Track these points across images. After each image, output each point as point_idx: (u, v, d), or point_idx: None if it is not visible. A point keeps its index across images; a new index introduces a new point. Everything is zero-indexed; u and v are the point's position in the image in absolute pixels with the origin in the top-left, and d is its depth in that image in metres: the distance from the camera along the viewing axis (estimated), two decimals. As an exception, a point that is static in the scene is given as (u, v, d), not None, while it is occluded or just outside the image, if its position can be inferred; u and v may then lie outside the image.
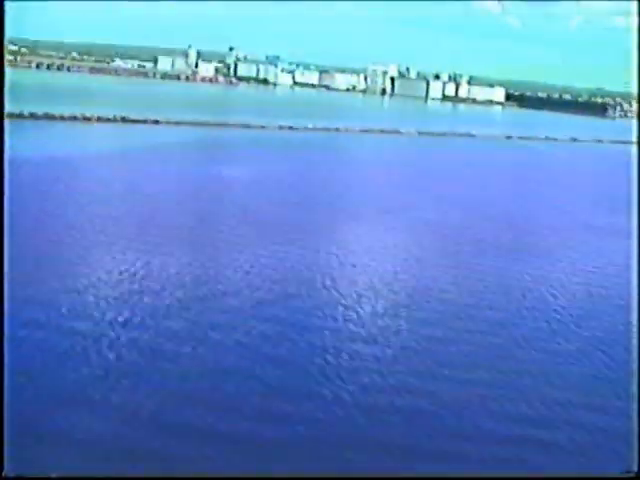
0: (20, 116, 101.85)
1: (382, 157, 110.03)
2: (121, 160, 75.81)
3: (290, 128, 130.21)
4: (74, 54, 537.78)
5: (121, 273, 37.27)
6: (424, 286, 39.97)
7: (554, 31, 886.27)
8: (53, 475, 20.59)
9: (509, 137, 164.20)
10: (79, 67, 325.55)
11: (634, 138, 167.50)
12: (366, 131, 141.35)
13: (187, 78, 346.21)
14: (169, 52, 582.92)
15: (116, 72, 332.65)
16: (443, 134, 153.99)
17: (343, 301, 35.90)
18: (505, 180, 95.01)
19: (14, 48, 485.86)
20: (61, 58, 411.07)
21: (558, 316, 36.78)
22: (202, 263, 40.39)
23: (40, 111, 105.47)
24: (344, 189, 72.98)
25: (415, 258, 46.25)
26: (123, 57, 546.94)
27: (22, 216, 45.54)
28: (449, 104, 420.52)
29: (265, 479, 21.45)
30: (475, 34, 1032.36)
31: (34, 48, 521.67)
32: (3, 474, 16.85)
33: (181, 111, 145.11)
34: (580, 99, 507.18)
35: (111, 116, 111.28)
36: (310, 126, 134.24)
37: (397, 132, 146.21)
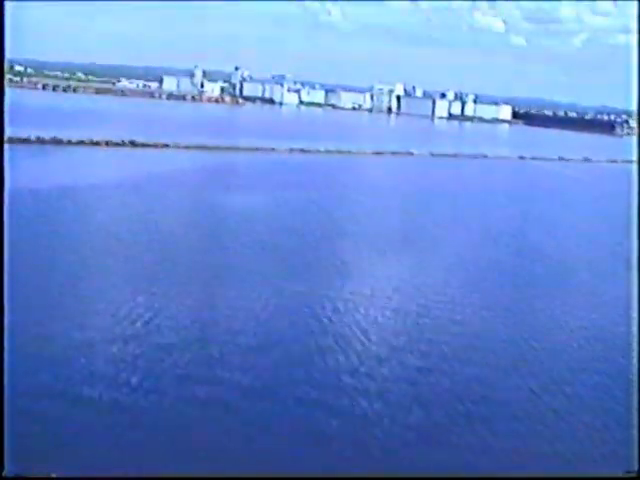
0: (26, 141, 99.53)
1: (397, 182, 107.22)
2: (132, 190, 73.06)
3: (302, 151, 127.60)
4: (80, 74, 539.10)
5: (133, 321, 34.44)
6: (458, 331, 36.98)
7: (558, 49, 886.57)
8: (53, 475, 20.61)
9: (522, 157, 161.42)
10: (85, 88, 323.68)
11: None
12: (378, 153, 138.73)
13: (193, 98, 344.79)
14: (174, 72, 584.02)
15: (122, 93, 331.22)
16: (455, 155, 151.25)
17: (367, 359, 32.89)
18: (527, 206, 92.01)
19: (20, 68, 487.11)
20: (67, 79, 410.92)
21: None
22: (214, 303, 37.67)
23: (47, 135, 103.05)
24: (364, 217, 70.26)
25: (445, 296, 43.37)
26: (129, 77, 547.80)
27: (26, 254, 42.77)
28: (455, 122, 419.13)
29: (265, 479, 21.62)
30: (479, 52, 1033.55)
31: (40, 69, 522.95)
32: (3, 474, 16.84)
33: (190, 133, 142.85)
34: (587, 116, 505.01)
35: (120, 140, 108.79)
36: (322, 149, 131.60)
37: (409, 154, 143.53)
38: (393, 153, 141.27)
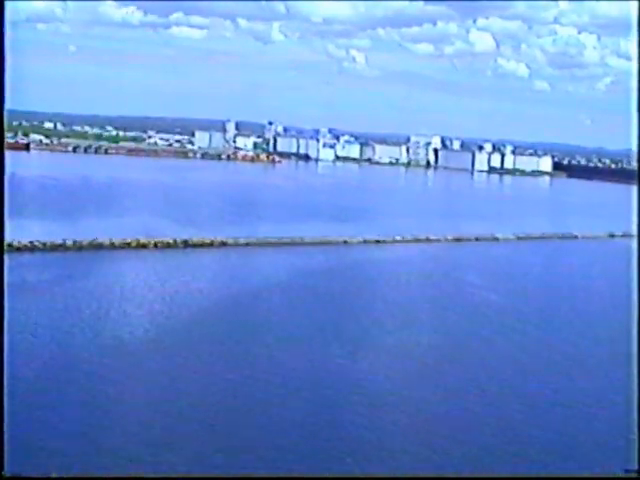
0: (63, 247, 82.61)
1: (502, 284, 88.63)
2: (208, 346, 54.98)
3: (377, 242, 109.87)
4: (109, 128, 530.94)
5: None
6: None
7: (582, 93, 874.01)
8: (53, 475, 23.77)
9: (612, 235, 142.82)
10: (117, 149, 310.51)
11: None
12: (459, 240, 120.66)
13: (228, 157, 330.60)
14: (205, 124, 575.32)
15: (155, 153, 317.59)
16: (543, 237, 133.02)
17: None
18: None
19: (50, 125, 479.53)
20: (98, 136, 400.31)
21: None
22: None
23: (85, 238, 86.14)
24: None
25: None
26: (159, 130, 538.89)
27: None
28: (496, 177, 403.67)
29: (265, 479, 22.15)
30: (504, 97, 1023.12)
31: (70, 123, 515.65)
32: (3, 474, 17.14)
33: (238, 215, 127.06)
34: (627, 166, 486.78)
35: (171, 240, 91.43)
36: (398, 237, 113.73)
37: (494, 239, 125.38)
38: (477, 239, 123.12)
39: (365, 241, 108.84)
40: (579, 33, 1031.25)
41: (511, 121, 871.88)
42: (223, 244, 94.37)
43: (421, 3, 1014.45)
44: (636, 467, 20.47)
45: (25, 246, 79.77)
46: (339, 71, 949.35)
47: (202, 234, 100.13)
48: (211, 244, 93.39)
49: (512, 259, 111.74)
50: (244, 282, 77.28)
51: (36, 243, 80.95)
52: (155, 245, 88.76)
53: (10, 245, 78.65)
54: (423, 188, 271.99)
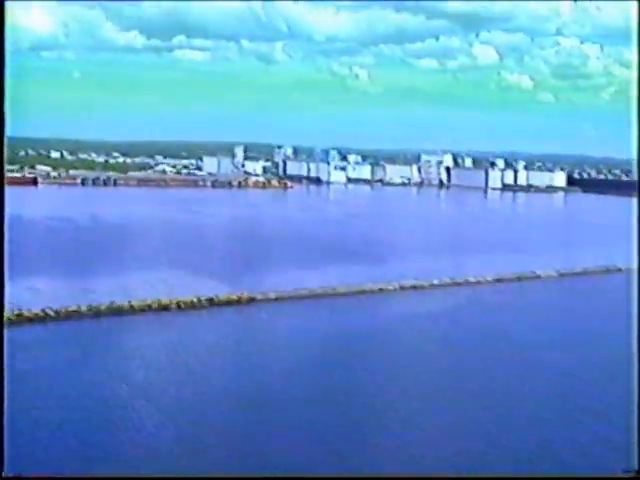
0: (78, 313, 74.67)
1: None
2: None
3: (414, 288, 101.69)
4: (116, 154, 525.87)
5: None
6: None
7: (587, 103, 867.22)
8: (53, 475, 26.16)
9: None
10: (125, 180, 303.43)
11: None
12: (500, 280, 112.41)
13: (239, 184, 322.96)
14: (212, 147, 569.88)
15: (165, 182, 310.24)
16: (586, 272, 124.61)
17: None
18: None
19: (56, 155, 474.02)
20: (105, 165, 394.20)
21: None
22: None
23: (102, 302, 78.30)
24: None
25: None
26: (166, 155, 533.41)
27: None
28: (509, 194, 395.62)
29: (265, 479, 22.32)
30: (509, 110, 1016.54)
31: (77, 151, 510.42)
32: (3, 474, 18.45)
33: (260, 259, 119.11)
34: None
35: (194, 298, 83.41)
36: (436, 282, 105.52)
37: (535, 276, 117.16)
38: (518, 278, 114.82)
39: (402, 287, 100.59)
40: (582, 43, 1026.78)
41: (517, 133, 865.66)
42: (251, 300, 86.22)
43: (423, 18, 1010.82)
44: (636, 467, 20.38)
45: (37, 315, 72.06)
46: (343, 89, 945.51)
47: (226, 287, 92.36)
48: (238, 301, 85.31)
49: (563, 305, 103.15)
50: (284, 356, 69.09)
51: (48, 311, 73.03)
52: (178, 306, 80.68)
53: (20, 315, 70.97)
54: (441, 212, 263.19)
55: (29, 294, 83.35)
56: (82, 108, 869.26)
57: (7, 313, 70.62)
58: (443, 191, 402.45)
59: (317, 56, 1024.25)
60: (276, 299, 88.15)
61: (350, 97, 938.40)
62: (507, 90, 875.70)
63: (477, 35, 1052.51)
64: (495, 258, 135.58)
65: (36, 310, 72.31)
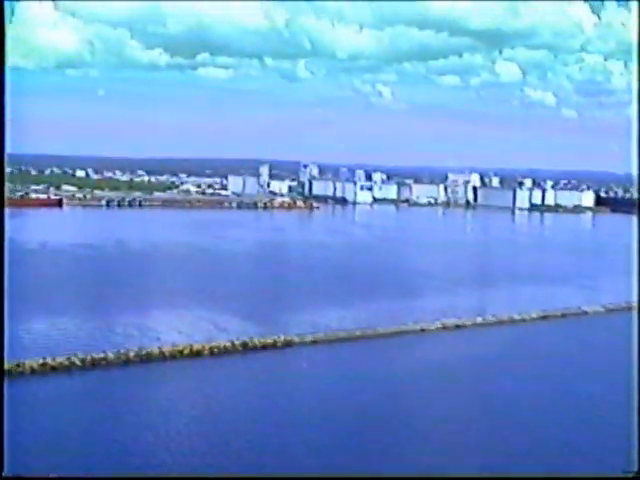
0: (105, 361, 69.95)
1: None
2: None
3: (457, 327, 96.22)
4: (140, 172, 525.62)
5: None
6: None
7: (610, 120, 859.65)
8: (53, 475, 25.85)
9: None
10: (150, 201, 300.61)
11: None
12: (545, 317, 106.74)
13: (265, 206, 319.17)
14: (236, 165, 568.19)
15: (190, 203, 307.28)
16: (629, 307, 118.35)
17: None
18: None
19: (81, 174, 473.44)
20: (129, 185, 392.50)
21: None
22: None
23: (130, 347, 73.62)
24: None
25: None
26: (189, 174, 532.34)
27: None
28: (537, 214, 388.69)
29: (265, 479, 24.20)
30: (532, 127, 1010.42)
31: (102, 169, 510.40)
32: (3, 474, 18.87)
33: (290, 293, 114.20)
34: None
35: (228, 343, 78.51)
36: (479, 320, 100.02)
37: (582, 312, 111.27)
38: (564, 315, 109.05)
39: (444, 327, 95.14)
40: (606, 60, 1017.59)
41: (540, 150, 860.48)
42: (288, 344, 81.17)
43: (446, 35, 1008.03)
44: (636, 467, 21.83)
45: (61, 364, 67.33)
46: (366, 106, 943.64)
47: (259, 327, 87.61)
48: (274, 345, 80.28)
49: (620, 347, 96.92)
50: (325, 409, 63.82)
51: (74, 359, 68.33)
52: (211, 351, 75.77)
53: (44, 364, 66.44)
54: (473, 236, 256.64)
55: (54, 334, 79.29)
56: (107, 126, 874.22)
57: (30, 361, 66.25)
58: (470, 212, 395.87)
59: (340, 73, 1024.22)
60: (313, 342, 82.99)
61: (373, 114, 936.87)
62: (530, 107, 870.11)
63: (500, 52, 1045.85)
64: (535, 291, 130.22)
65: (61, 358, 67.61)
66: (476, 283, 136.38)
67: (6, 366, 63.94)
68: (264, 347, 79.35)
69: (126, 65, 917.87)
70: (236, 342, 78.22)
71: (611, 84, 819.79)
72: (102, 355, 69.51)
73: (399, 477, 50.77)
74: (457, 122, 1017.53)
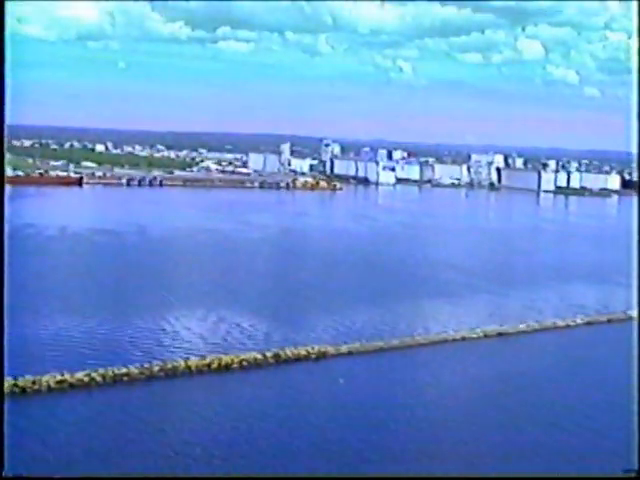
0: (128, 376, 64.75)
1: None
2: None
3: (499, 335, 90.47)
4: (160, 146, 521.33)
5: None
6: None
7: (632, 98, 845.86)
8: (53, 475, 26.02)
9: None
10: (171, 180, 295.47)
11: None
12: (590, 323, 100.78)
13: (287, 186, 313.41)
14: (255, 140, 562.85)
15: (211, 182, 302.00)
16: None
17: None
18: None
19: (101, 148, 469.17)
20: (149, 161, 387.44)
21: None
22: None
23: (154, 362, 68.44)
24: None
25: None
26: (209, 148, 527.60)
27: None
28: (561, 197, 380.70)
29: (265, 479, 13.09)
30: (554, 105, 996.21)
31: (121, 143, 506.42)
32: (3, 474, 18.86)
33: (320, 290, 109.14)
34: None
35: (259, 354, 73.13)
36: (522, 326, 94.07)
37: (627, 317, 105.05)
38: (609, 320, 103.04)
39: (486, 335, 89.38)
40: (629, 38, 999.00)
41: (562, 129, 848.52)
42: (322, 355, 75.79)
43: (469, 11, 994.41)
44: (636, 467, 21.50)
45: (80, 381, 62.27)
46: (386, 81, 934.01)
47: (288, 332, 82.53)
48: (307, 356, 74.92)
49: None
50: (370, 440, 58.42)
51: (94, 375, 63.22)
52: (241, 364, 70.49)
53: (62, 381, 61.40)
54: (501, 223, 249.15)
55: (64, 339, 74.52)
56: (127, 98, 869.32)
57: (47, 378, 61.26)
58: (494, 194, 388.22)
59: (361, 48, 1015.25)
60: (349, 352, 77.57)
61: (393, 90, 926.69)
62: (552, 85, 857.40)
63: (523, 29, 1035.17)
64: (574, 290, 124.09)
65: (80, 374, 62.52)
66: (511, 280, 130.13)
67: (21, 383, 59.23)
68: (297, 359, 73.94)
69: (147, 38, 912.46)
70: (267, 354, 72.89)
71: (634, 62, 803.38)
72: (124, 370, 64.41)
73: (399, 477, 49.89)
74: (478, 99, 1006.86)
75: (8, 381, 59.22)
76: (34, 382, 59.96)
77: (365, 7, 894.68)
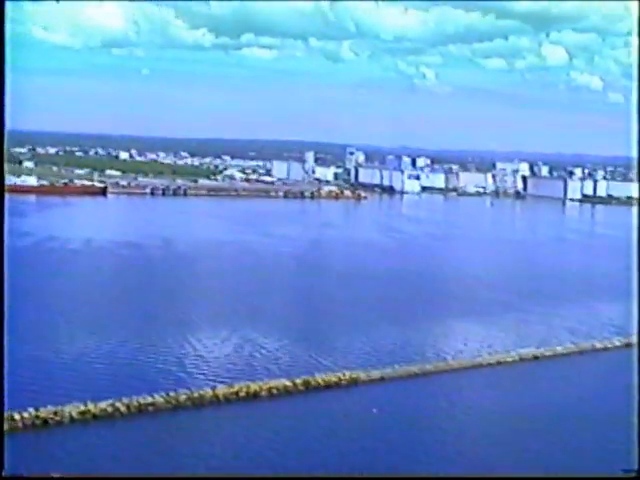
0: (154, 406, 62.30)
1: None
2: None
3: (535, 358, 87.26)
4: (183, 153, 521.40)
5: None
6: None
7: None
8: (53, 475, 25.82)
9: None
10: (196, 190, 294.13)
11: None
12: (628, 345, 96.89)
13: (312, 195, 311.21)
14: (279, 146, 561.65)
15: (236, 192, 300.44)
16: None
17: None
18: None
19: (125, 156, 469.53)
20: (173, 170, 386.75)
21: None
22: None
23: (181, 391, 66.00)
24: None
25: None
26: (233, 155, 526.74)
27: None
28: (588, 206, 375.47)
29: (265, 479, 14.66)
30: (578, 111, 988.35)
31: (144, 150, 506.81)
32: (3, 474, 18.97)
33: (350, 307, 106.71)
34: None
35: (288, 382, 70.40)
36: (560, 349, 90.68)
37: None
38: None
39: (521, 358, 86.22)
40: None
41: (586, 135, 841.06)
42: (353, 382, 73.05)
43: (493, 17, 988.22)
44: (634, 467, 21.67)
45: (104, 411, 59.92)
46: (410, 88, 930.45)
47: (316, 355, 79.91)
48: (338, 383, 72.20)
49: None
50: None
51: (118, 405, 60.84)
52: (269, 392, 67.91)
53: (85, 412, 59.11)
54: (531, 233, 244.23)
55: (86, 364, 72.34)
56: (150, 105, 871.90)
57: (69, 408, 58.98)
58: (519, 202, 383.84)
59: (384, 55, 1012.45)
60: (381, 379, 74.77)
61: (417, 96, 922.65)
62: (576, 91, 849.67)
63: (547, 35, 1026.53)
64: (606, 306, 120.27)
65: (103, 404, 60.16)
66: (541, 296, 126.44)
67: (42, 414, 57.05)
68: (327, 386, 71.26)
69: (171, 45, 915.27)
70: (297, 381, 70.24)
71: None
72: (149, 400, 61.95)
73: (400, 477, 48.71)
74: (501, 105, 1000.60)
75: (29, 412, 57.18)
76: (56, 413, 57.73)
77: (388, 13, 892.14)
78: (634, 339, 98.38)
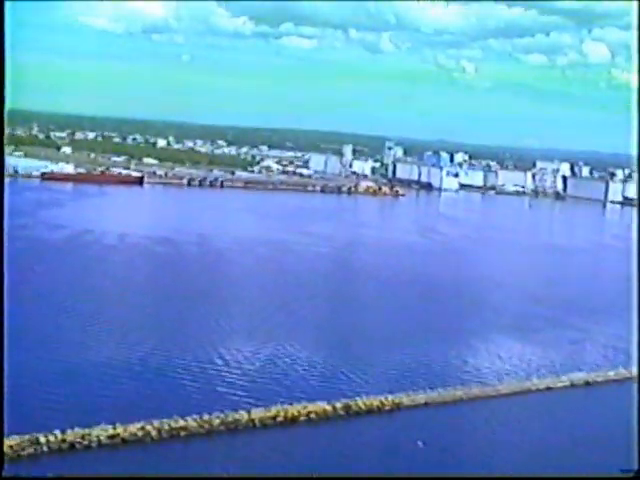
0: (186, 430, 58.94)
1: None
2: None
3: (587, 384, 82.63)
4: (221, 142, 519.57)
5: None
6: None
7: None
8: (51, 475, 25.84)
9: None
10: (232, 182, 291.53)
11: None
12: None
13: (349, 191, 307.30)
14: (316, 137, 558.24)
15: (273, 186, 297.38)
16: None
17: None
18: None
19: (163, 144, 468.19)
20: (211, 159, 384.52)
21: None
22: None
23: (214, 414, 62.48)
24: None
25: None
26: (270, 145, 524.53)
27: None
28: (628, 208, 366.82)
29: (265, 479, 12.43)
30: (618, 109, 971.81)
31: (183, 136, 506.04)
32: (2, 474, 18.96)
33: (392, 319, 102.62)
34: None
35: (328, 406, 66.53)
36: (612, 374, 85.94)
37: None
38: None
39: (572, 384, 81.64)
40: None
41: (625, 134, 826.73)
42: (396, 406, 69.13)
43: (535, 13, 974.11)
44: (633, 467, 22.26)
45: (134, 435, 56.55)
46: (449, 81, 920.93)
47: (357, 378, 76.07)
48: (380, 408, 68.32)
49: None
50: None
51: (148, 428, 57.54)
52: (308, 417, 64.21)
53: (115, 435, 55.86)
54: (575, 238, 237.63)
55: (112, 377, 69.20)
56: (190, 91, 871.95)
57: (97, 431, 55.74)
58: (559, 203, 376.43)
59: (424, 48, 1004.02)
60: (425, 404, 70.78)
61: (456, 90, 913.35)
62: (617, 89, 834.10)
63: (589, 31, 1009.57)
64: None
65: (133, 427, 56.81)
66: (586, 311, 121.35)
67: (69, 437, 53.86)
68: (369, 410, 67.40)
69: (211, 32, 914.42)
70: (337, 405, 66.44)
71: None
72: (181, 423, 58.50)
73: (400, 477, 48.62)
74: (541, 102, 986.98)
75: (55, 434, 54.06)
76: (83, 437, 54.47)
77: (429, 6, 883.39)
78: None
